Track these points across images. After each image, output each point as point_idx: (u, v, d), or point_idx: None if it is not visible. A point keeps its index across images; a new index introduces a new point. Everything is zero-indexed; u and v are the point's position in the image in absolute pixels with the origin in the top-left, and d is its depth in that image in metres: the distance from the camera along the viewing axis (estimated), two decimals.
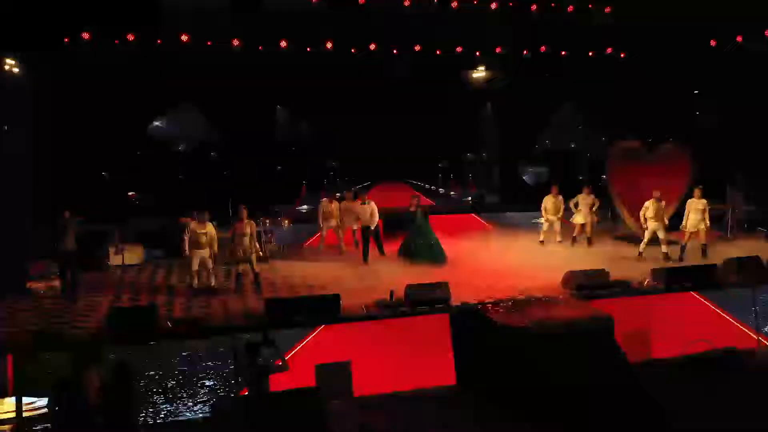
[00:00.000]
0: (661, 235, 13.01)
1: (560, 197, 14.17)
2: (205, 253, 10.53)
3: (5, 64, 13.85)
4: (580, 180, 16.33)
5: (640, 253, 12.92)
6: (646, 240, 13.13)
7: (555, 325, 9.07)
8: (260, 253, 11.16)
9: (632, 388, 8.44)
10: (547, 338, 8.87)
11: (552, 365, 8.56)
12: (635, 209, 14.46)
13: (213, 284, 10.66)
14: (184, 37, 15.08)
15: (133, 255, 12.89)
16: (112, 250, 12.78)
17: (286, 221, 13.99)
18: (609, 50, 18.69)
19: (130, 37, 15.07)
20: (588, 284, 10.45)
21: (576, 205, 14.09)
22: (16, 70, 13.77)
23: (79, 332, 8.85)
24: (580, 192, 14.13)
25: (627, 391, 8.40)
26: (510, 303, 9.76)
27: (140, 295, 10.71)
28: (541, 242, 14.28)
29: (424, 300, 9.82)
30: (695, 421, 8.03)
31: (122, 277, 12.03)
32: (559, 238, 14.17)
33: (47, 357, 8.17)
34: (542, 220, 14.29)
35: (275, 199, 15.47)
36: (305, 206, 16.80)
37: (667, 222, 12.98)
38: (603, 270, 10.77)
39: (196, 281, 10.60)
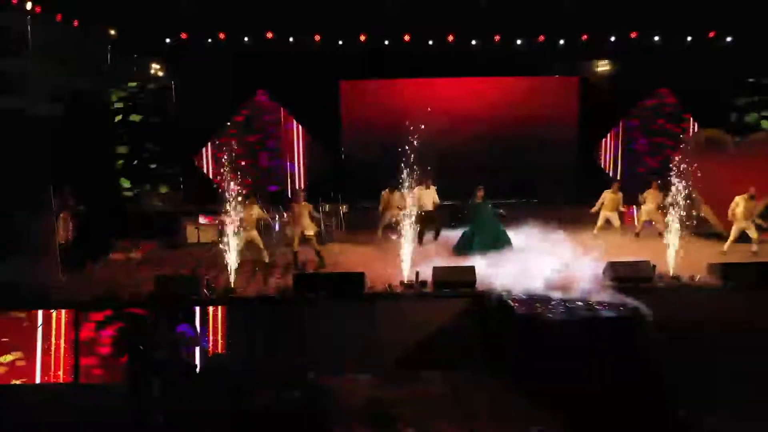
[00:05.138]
0: (752, 234, 12.18)
1: (620, 194, 13.62)
2: (254, 232, 11.39)
3: (151, 68, 16.21)
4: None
5: (724, 252, 12.07)
6: (732, 238, 12.23)
7: (572, 314, 8.84)
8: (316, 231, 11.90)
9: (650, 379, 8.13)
10: (564, 327, 8.70)
11: (567, 354, 8.43)
12: (719, 206, 13.44)
13: (266, 260, 11.49)
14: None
15: (207, 233, 14.01)
16: (189, 228, 14.01)
17: (344, 206, 14.50)
18: (712, 34, 17.32)
19: (221, 36, 16.43)
20: (627, 276, 9.99)
21: (644, 201, 13.44)
22: (161, 73, 16.33)
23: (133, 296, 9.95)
24: (650, 187, 13.40)
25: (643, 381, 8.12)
26: (533, 291, 9.61)
27: (198, 268, 11.74)
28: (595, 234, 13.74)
29: (448, 282, 9.93)
30: None
31: (192, 253, 13.17)
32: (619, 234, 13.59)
33: None
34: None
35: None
36: None
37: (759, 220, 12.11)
38: (646, 261, 10.23)
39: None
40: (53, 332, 9.60)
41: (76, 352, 9.53)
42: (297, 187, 16.68)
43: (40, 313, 9.61)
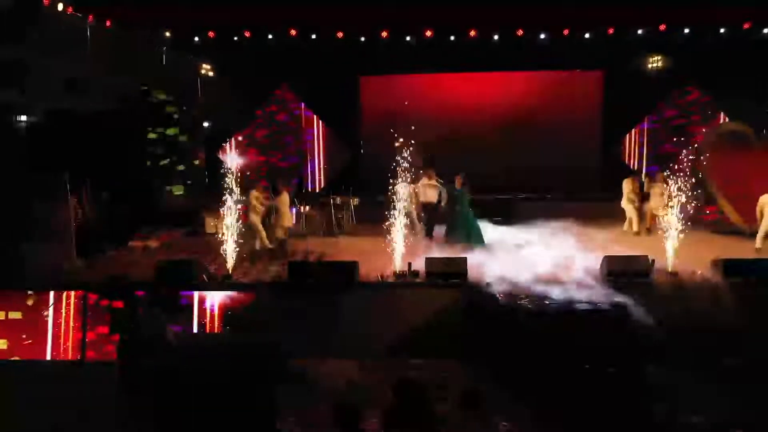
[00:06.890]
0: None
1: (637, 184, 13.30)
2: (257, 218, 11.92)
3: (202, 69, 16.96)
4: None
5: (758, 249, 11.68)
6: (761, 234, 11.74)
7: (554, 307, 8.79)
8: (291, 224, 12.59)
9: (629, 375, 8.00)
10: (544, 320, 8.67)
11: (547, 346, 8.39)
12: (740, 203, 12.98)
13: (257, 248, 11.99)
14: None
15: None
16: (208, 219, 14.48)
17: (355, 199, 14.64)
18: (747, 26, 16.63)
19: (247, 34, 16.91)
20: (623, 270, 9.80)
21: (651, 194, 13.10)
22: (210, 73, 17.08)
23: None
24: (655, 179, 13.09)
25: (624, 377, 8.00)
26: (523, 283, 9.57)
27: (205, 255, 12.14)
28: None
29: (440, 273, 9.99)
30: None
31: (209, 242, 13.57)
32: (635, 228, 13.25)
33: None
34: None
35: None
36: None
37: None
38: (644, 256, 10.00)
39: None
40: (63, 312, 10.19)
41: (84, 331, 10.08)
42: (316, 181, 17.05)
43: (51, 294, 10.22)
